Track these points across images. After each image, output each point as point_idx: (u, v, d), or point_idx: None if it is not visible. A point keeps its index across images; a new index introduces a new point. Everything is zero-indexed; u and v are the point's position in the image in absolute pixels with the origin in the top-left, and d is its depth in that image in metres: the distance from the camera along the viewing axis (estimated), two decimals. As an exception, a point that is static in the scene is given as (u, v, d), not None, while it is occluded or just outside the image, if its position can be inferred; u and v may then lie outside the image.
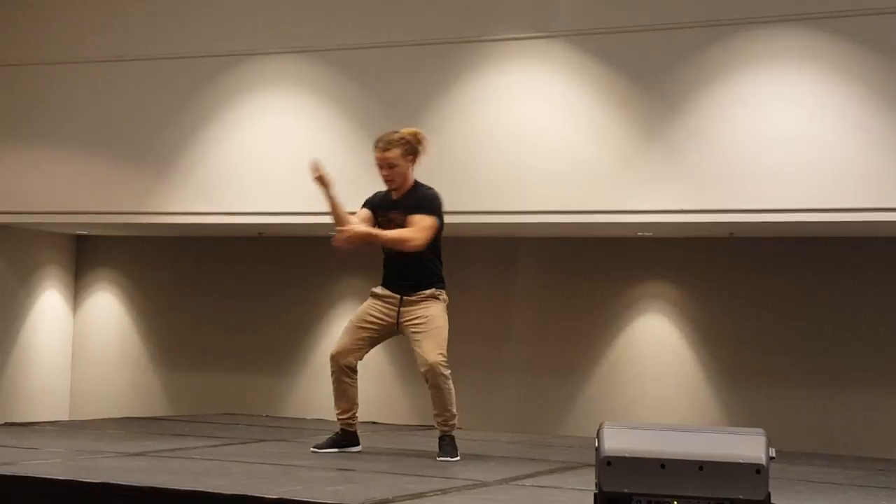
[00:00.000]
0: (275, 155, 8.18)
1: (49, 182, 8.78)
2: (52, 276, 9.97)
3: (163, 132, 8.50)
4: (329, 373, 5.93)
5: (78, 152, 8.72)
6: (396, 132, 5.88)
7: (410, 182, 5.88)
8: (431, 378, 5.72)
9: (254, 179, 8.22)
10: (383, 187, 6.00)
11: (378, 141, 5.87)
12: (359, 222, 5.82)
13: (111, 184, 8.61)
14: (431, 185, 5.92)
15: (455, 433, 5.87)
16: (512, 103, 7.63)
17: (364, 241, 5.77)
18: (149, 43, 8.60)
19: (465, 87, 7.76)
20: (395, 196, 5.87)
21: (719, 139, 7.15)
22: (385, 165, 5.82)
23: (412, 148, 5.85)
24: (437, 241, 5.85)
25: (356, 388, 5.92)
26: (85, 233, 9.96)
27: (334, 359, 5.88)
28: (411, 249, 5.72)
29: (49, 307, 9.95)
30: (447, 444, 5.80)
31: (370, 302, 5.93)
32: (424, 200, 5.80)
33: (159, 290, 9.91)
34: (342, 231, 5.70)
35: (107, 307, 10.09)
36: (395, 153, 5.80)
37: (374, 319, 5.88)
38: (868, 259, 7.95)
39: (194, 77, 8.44)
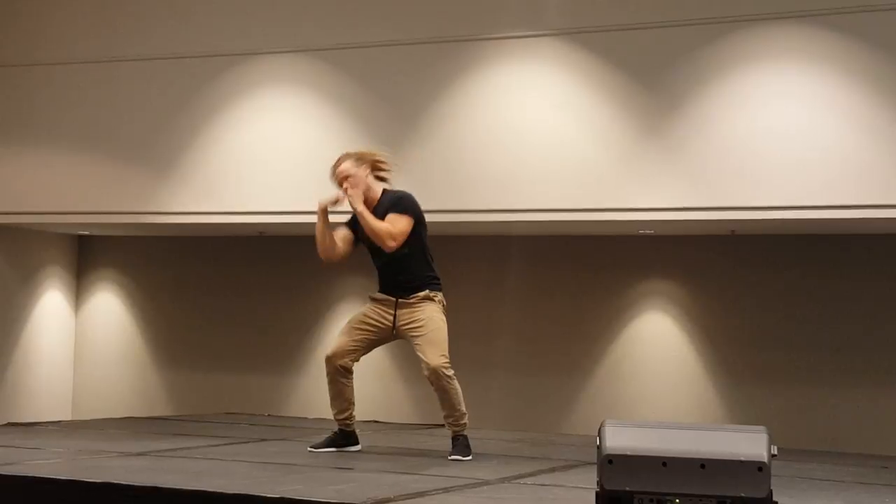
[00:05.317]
0: (276, 154, 8.18)
1: (50, 182, 8.78)
2: (53, 276, 9.97)
3: (164, 132, 8.50)
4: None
5: (79, 152, 8.72)
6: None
7: (377, 192, 5.84)
8: (436, 381, 5.72)
9: (255, 179, 8.22)
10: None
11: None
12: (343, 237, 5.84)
13: (112, 184, 8.61)
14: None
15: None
16: (511, 102, 7.63)
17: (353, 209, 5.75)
18: (150, 42, 8.60)
19: (465, 86, 7.76)
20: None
21: (720, 136, 7.15)
22: (341, 179, 5.79)
23: (362, 158, 5.83)
24: (422, 240, 5.83)
25: (352, 388, 5.91)
26: (86, 233, 9.95)
27: (329, 360, 5.87)
28: (387, 250, 5.70)
29: (51, 307, 9.95)
30: (460, 444, 5.80)
31: (368, 305, 5.95)
32: (396, 202, 5.77)
33: (161, 289, 9.91)
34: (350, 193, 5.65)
35: (108, 307, 10.09)
36: (346, 164, 5.80)
37: (371, 321, 5.88)
38: (869, 256, 7.94)
39: (195, 77, 8.44)
